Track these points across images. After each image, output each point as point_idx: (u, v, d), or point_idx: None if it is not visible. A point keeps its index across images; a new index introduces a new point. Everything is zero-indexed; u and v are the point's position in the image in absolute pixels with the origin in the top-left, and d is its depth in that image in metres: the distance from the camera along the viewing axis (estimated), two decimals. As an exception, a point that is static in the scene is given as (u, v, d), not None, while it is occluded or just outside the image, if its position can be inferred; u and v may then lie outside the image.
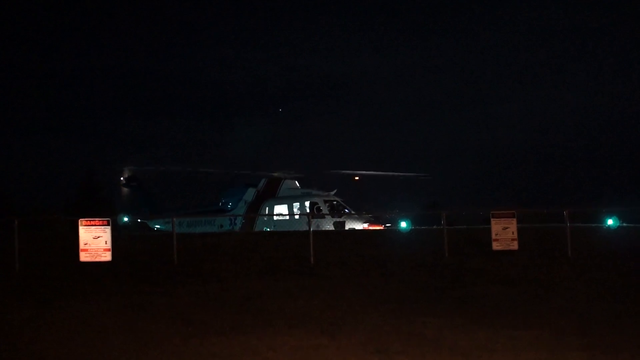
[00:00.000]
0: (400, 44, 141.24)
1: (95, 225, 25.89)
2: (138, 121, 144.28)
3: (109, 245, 25.76)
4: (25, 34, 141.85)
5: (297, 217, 51.71)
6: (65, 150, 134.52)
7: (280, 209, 55.53)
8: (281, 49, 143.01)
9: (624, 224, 36.53)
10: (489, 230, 27.85)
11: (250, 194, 57.87)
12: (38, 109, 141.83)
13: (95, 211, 36.75)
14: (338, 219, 51.60)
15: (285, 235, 37.48)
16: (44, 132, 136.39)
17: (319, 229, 45.37)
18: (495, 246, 27.52)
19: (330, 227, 50.20)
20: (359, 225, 50.72)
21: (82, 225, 25.80)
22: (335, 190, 55.38)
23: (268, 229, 53.11)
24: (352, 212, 52.65)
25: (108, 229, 25.91)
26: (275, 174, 57.75)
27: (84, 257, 25.69)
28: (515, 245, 27.44)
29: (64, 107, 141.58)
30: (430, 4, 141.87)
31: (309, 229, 28.52)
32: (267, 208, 55.88)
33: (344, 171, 60.87)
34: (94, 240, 25.73)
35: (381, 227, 50.21)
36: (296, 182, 58.03)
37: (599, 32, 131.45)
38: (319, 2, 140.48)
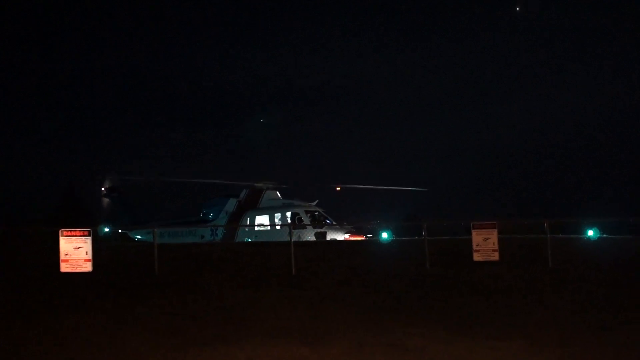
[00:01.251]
0: (399, 45, 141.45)
1: (76, 235, 25.78)
2: (118, 130, 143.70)
3: (89, 256, 25.64)
4: (9, 39, 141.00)
5: (278, 227, 51.72)
6: (45, 161, 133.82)
7: (262, 220, 55.48)
8: (281, 50, 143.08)
9: (605, 235, 36.74)
10: (470, 241, 27.95)
11: (231, 204, 57.81)
12: (18, 117, 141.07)
13: (76, 222, 36.62)
14: (319, 230, 51.59)
15: (267, 245, 37.48)
16: (24, 142, 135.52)
17: (301, 240, 45.41)
18: (476, 257, 27.59)
19: (312, 238, 50.19)
20: (341, 236, 50.75)
21: (62, 235, 25.67)
22: (316, 201, 55.42)
23: (249, 240, 53.07)
24: (334, 222, 52.68)
25: (89, 240, 25.80)
26: (257, 185, 57.75)
27: (64, 267, 25.56)
28: (496, 256, 27.52)
29: (45, 115, 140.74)
30: (429, 5, 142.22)
31: (291, 239, 28.54)
32: (248, 218, 55.82)
33: (350, 185, 61.03)
34: (75, 251, 25.61)
35: (362, 238, 50.26)
36: (277, 192, 58.03)
37: (597, 33, 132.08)
38: (317, 3, 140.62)
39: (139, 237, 60.40)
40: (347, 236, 51.01)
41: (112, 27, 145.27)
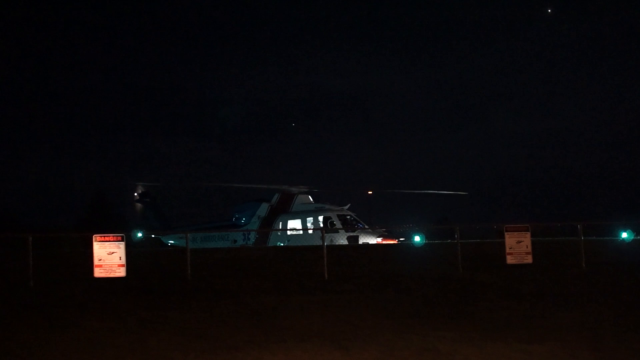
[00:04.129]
0: (434, 47, 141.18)
1: (109, 240, 25.92)
2: (148, 138, 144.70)
3: (123, 261, 25.76)
4: (35, 53, 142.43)
5: (310, 231, 51.67)
6: (75, 169, 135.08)
7: (294, 224, 55.44)
8: (290, 66, 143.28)
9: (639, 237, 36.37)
10: (502, 244, 27.80)
11: (263, 208, 57.81)
12: (49, 128, 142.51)
13: (107, 227, 36.84)
14: (351, 234, 51.47)
15: (299, 250, 37.48)
16: (54, 151, 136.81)
17: (333, 244, 45.34)
18: (510, 260, 27.45)
19: (344, 242, 50.11)
20: (373, 240, 50.60)
21: (96, 241, 25.82)
22: (348, 205, 55.32)
23: (281, 244, 53.04)
24: (366, 226, 52.53)
25: (122, 245, 25.92)
26: (289, 189, 57.72)
27: (98, 272, 25.69)
28: (529, 259, 27.37)
29: (73, 126, 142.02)
30: (436, 21, 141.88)
31: (323, 243, 28.50)
32: (280, 223, 55.80)
33: (385, 190, 61.06)
34: (108, 256, 25.74)
35: (395, 242, 50.10)
36: (309, 196, 57.95)
37: (609, 44, 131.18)
38: (324, 18, 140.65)
39: (172, 242, 60.62)
40: (379, 240, 50.85)
41: (145, 43, 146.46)
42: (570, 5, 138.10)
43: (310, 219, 54.62)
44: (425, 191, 64.34)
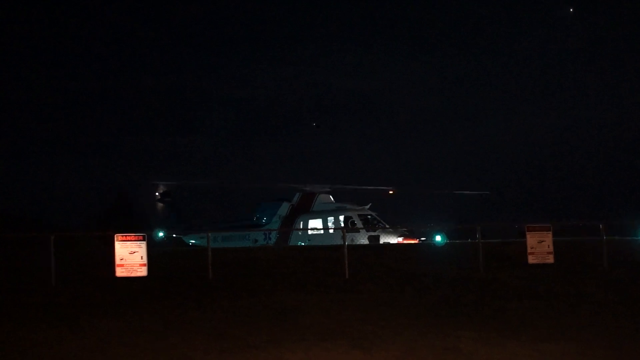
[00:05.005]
0: (456, 43, 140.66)
1: (130, 240, 26.01)
2: (169, 138, 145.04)
3: (144, 261, 25.85)
4: (53, 53, 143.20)
5: (331, 231, 51.71)
6: (95, 169, 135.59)
7: (315, 224, 55.52)
8: (301, 65, 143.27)
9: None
10: (524, 244, 27.71)
11: (284, 208, 57.95)
12: (66, 128, 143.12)
13: (128, 227, 36.96)
14: (372, 233, 51.49)
15: (320, 249, 37.48)
16: (73, 151, 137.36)
17: (354, 243, 45.34)
18: (531, 260, 27.37)
19: (365, 241, 50.14)
20: (394, 239, 50.60)
21: (117, 240, 25.91)
22: (369, 205, 55.30)
23: (302, 244, 53.11)
24: (387, 226, 52.51)
25: (144, 244, 26.01)
26: (311, 188, 57.78)
27: (119, 272, 25.79)
28: (551, 259, 27.29)
29: (92, 126, 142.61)
30: (449, 17, 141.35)
31: (344, 243, 28.49)
32: (301, 222, 55.89)
33: (407, 189, 61.11)
34: (130, 256, 25.84)
35: (416, 241, 50.07)
36: (330, 196, 57.99)
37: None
38: (333, 16, 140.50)
39: (193, 241, 60.90)
40: (400, 239, 50.85)
41: (159, 44, 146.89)
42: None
43: (331, 219, 54.72)
44: (448, 191, 64.34)
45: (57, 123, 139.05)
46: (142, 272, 25.80)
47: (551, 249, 27.35)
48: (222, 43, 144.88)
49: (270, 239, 56.39)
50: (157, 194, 66.78)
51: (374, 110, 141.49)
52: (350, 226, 51.86)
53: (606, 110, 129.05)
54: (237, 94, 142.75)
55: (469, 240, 41.51)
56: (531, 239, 27.54)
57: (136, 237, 26.11)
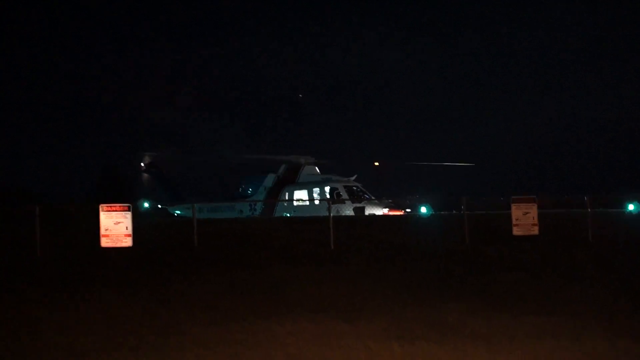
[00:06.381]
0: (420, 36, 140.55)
1: (116, 210, 25.95)
2: (157, 112, 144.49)
3: (129, 231, 25.82)
4: (45, 30, 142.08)
5: (317, 202, 51.73)
6: (83, 142, 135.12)
7: (300, 195, 55.52)
8: (299, 44, 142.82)
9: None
10: (509, 216, 27.80)
11: (270, 179, 57.92)
12: (52, 101, 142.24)
13: (115, 198, 36.85)
14: (358, 205, 51.56)
15: (305, 221, 37.48)
16: (61, 124, 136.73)
17: (339, 215, 45.41)
18: (516, 231, 27.49)
19: (351, 213, 50.21)
20: (379, 211, 50.69)
21: (102, 210, 25.86)
22: (355, 176, 55.31)
23: (288, 215, 53.14)
24: (372, 197, 52.57)
25: (129, 215, 25.97)
26: (296, 159, 57.73)
27: (104, 242, 25.76)
28: (535, 230, 27.40)
29: (81, 100, 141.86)
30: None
31: (329, 214, 28.50)
32: (287, 194, 55.88)
33: (391, 162, 61.09)
34: (115, 226, 25.79)
35: (401, 213, 50.18)
36: (316, 167, 57.96)
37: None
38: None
39: (179, 212, 60.79)
40: (385, 211, 50.95)
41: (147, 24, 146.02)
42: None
43: (316, 190, 54.70)
44: (432, 163, 64.38)
45: (45, 95, 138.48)
46: (128, 242, 25.77)
47: (536, 220, 27.45)
48: (209, 22, 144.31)
49: (255, 210, 56.37)
50: (142, 164, 66.47)
51: (367, 88, 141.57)
52: (335, 197, 51.87)
53: (598, 90, 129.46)
54: (229, 71, 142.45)
55: (454, 212, 41.61)
56: (516, 211, 27.64)
57: (121, 207, 26.06)
